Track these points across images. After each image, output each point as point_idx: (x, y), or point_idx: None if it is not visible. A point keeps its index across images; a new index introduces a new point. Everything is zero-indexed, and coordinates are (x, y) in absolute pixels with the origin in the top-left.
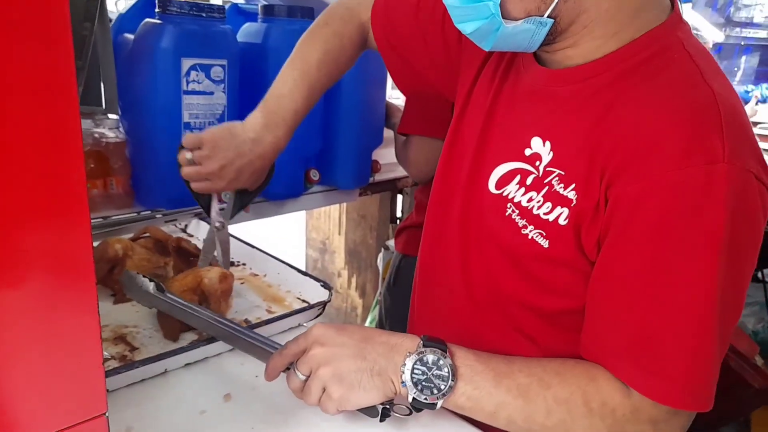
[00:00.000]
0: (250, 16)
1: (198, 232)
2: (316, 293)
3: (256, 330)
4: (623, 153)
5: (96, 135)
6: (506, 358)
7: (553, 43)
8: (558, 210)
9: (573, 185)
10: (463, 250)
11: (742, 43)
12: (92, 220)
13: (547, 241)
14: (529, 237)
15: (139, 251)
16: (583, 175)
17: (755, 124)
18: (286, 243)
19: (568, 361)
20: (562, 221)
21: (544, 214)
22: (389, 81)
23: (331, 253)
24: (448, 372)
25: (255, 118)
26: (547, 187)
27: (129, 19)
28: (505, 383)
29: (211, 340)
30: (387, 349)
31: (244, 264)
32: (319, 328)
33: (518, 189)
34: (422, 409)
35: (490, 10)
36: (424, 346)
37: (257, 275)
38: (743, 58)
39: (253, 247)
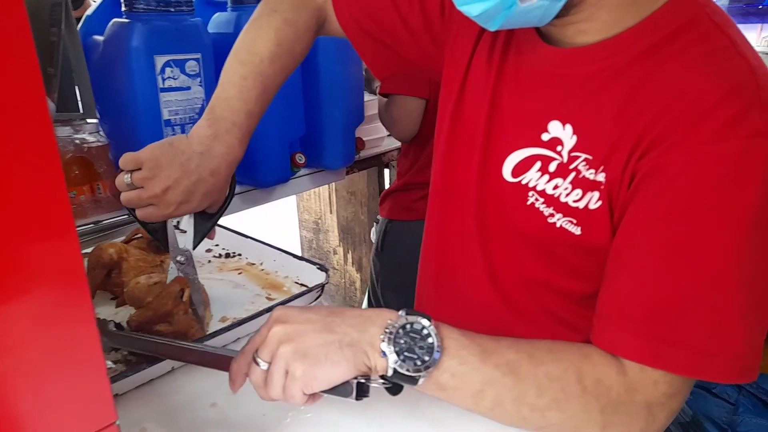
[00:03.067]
0: (220, 6)
1: (190, 227)
2: (313, 276)
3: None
4: (663, 124)
5: (77, 141)
6: (493, 336)
7: (566, 16)
8: (588, 195)
9: (602, 167)
10: (484, 243)
11: None
12: (83, 227)
13: (579, 228)
14: (558, 225)
15: (134, 252)
16: (613, 155)
17: None
18: (279, 227)
19: (560, 341)
20: (593, 206)
21: (574, 201)
22: None
23: (324, 232)
24: (434, 342)
25: (201, 128)
26: (573, 173)
27: (96, 20)
28: (493, 359)
29: (213, 335)
30: (361, 321)
31: (239, 254)
32: (279, 309)
33: (540, 176)
34: (400, 390)
35: None
36: (408, 314)
37: (254, 264)
38: None
39: (246, 236)
